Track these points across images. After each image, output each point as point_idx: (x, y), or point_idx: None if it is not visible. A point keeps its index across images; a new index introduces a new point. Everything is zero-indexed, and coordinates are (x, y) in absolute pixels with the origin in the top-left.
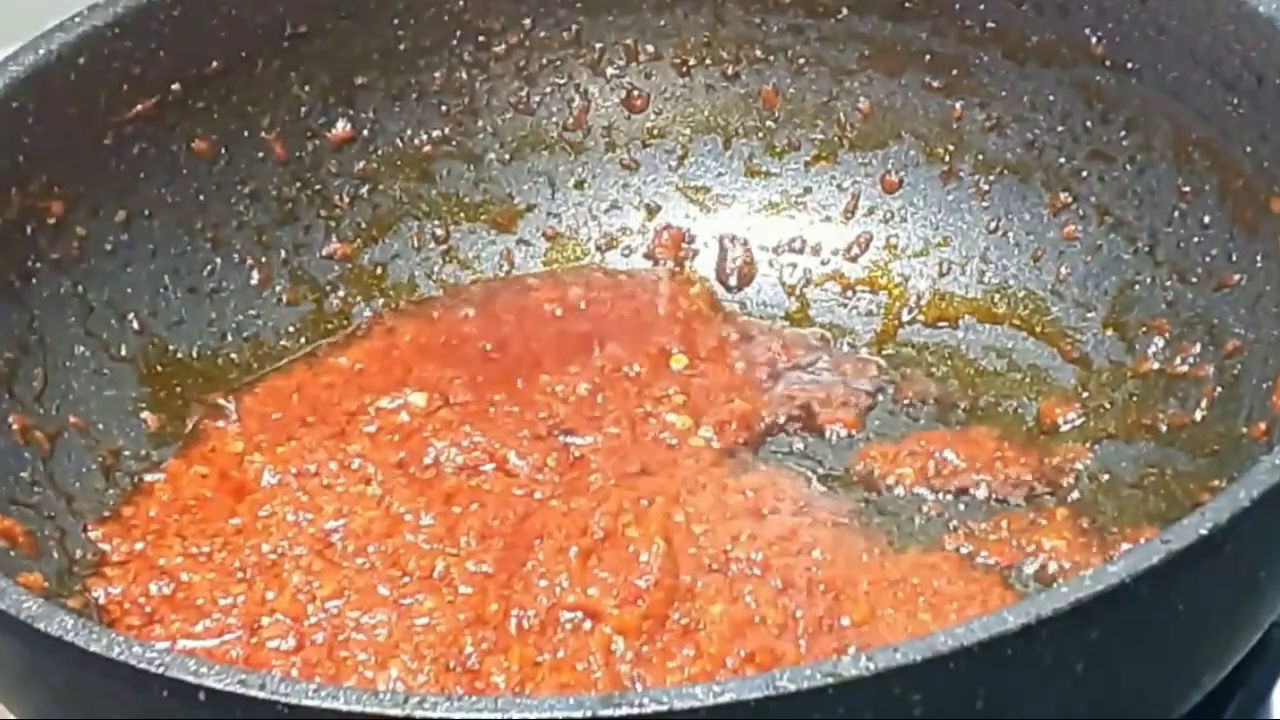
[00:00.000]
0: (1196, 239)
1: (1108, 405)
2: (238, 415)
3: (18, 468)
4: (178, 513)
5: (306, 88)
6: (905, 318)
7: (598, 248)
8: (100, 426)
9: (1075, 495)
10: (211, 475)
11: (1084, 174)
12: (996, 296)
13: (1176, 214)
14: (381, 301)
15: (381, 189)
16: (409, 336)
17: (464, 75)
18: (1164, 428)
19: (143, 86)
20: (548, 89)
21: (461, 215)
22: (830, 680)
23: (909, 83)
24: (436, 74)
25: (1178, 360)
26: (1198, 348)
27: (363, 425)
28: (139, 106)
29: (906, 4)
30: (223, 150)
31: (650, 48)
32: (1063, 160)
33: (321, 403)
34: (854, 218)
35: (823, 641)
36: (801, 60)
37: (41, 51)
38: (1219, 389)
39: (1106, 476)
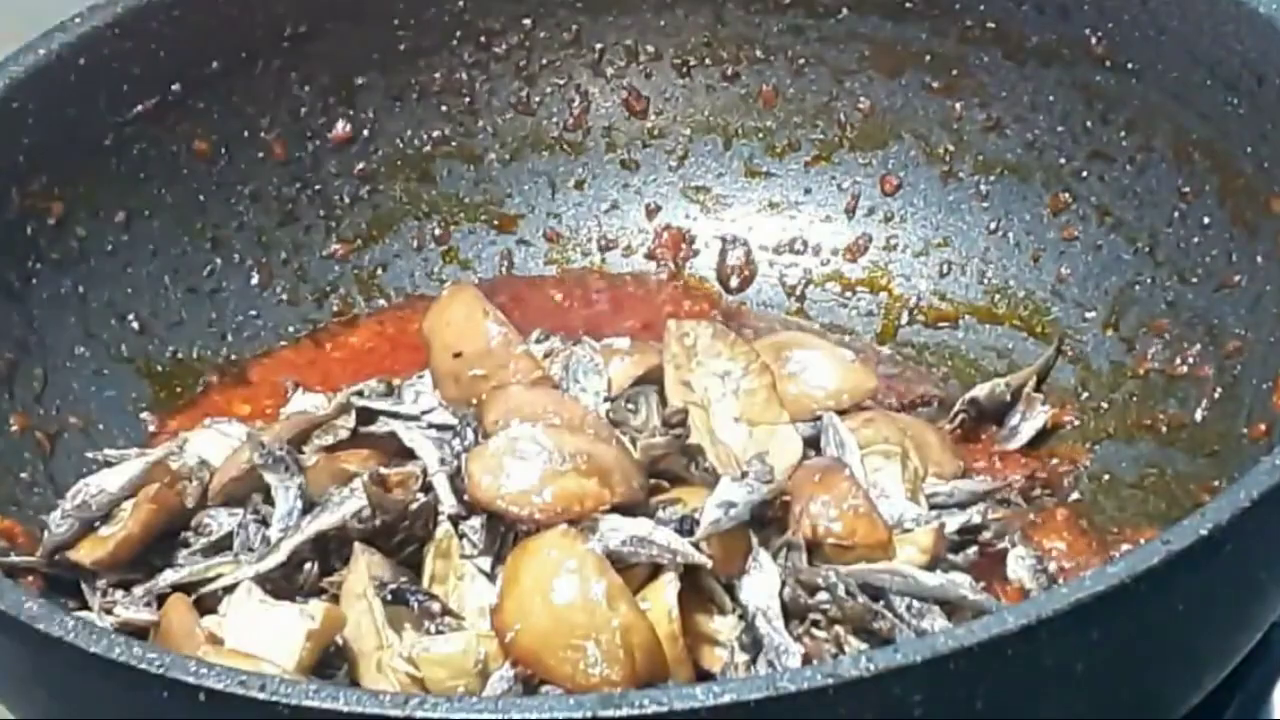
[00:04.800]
0: (1196, 239)
1: (1107, 405)
2: (248, 380)
3: (18, 468)
4: None
5: (306, 88)
6: (905, 318)
7: (598, 248)
8: (100, 426)
9: (1075, 495)
10: None
11: (1084, 174)
12: (996, 296)
13: (1176, 214)
14: (381, 302)
15: (381, 189)
16: (417, 325)
17: (464, 75)
18: (1164, 428)
19: (143, 86)
20: (548, 89)
21: (461, 215)
22: (830, 680)
23: (909, 83)
24: (436, 74)
25: (1178, 360)
26: (1198, 348)
27: None
28: (139, 107)
29: (906, 4)
30: (223, 150)
31: (650, 48)
32: (1063, 160)
33: (332, 375)
34: (854, 218)
35: None
36: (801, 60)
37: (41, 52)
38: (1219, 389)
39: (1106, 476)
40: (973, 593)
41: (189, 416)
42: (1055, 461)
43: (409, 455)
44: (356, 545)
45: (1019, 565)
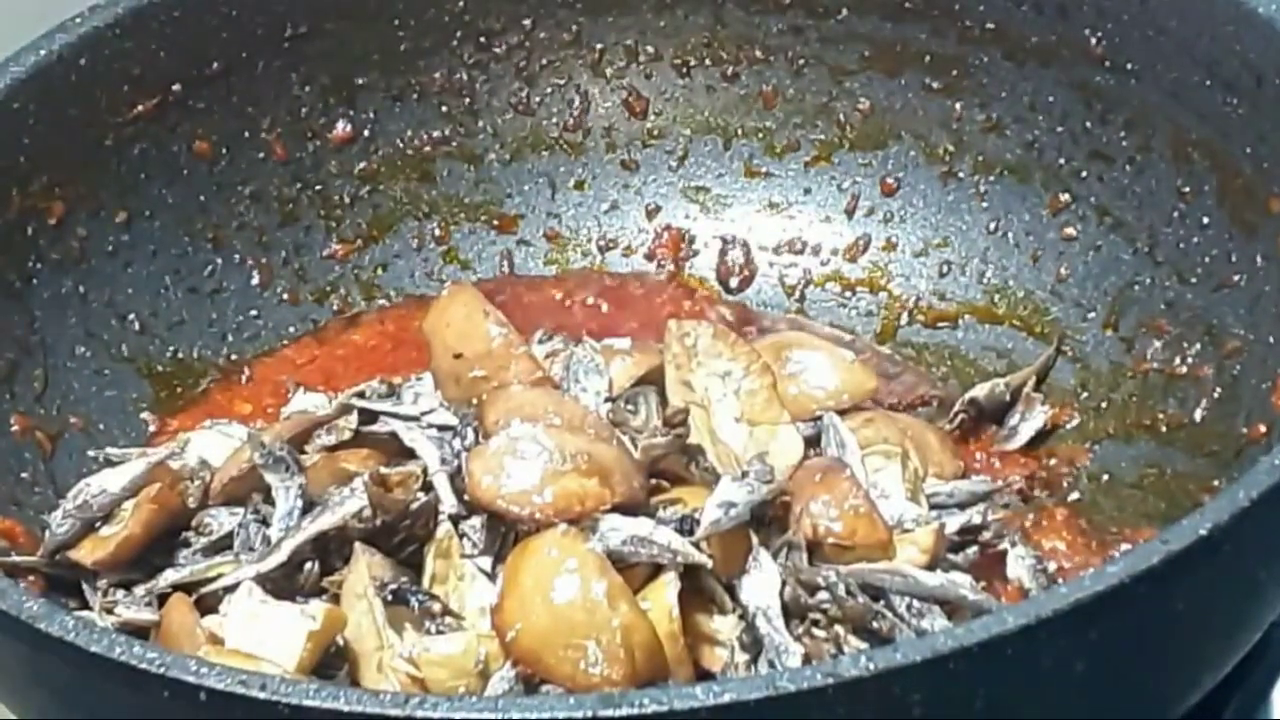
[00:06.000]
0: (1196, 239)
1: (1107, 405)
2: (250, 379)
3: (18, 468)
4: None
5: (306, 88)
6: (905, 318)
7: (598, 248)
8: (101, 426)
9: (1075, 495)
10: None
11: (1084, 174)
12: (996, 297)
13: (1176, 214)
14: (382, 302)
15: (381, 189)
16: (419, 323)
17: (464, 75)
18: (1164, 428)
19: (143, 87)
20: (548, 89)
21: (461, 215)
22: (830, 680)
23: (909, 83)
24: (436, 74)
25: (1177, 360)
26: (1197, 348)
27: None
28: (139, 107)
29: (906, 4)
30: (223, 150)
31: (650, 48)
32: (1062, 160)
33: (334, 374)
34: (854, 218)
35: None
36: (801, 60)
37: (42, 52)
38: (1218, 389)
39: (1106, 476)
40: (973, 593)
41: (190, 416)
42: (1055, 461)
43: (409, 455)
44: (357, 545)
45: (1019, 565)
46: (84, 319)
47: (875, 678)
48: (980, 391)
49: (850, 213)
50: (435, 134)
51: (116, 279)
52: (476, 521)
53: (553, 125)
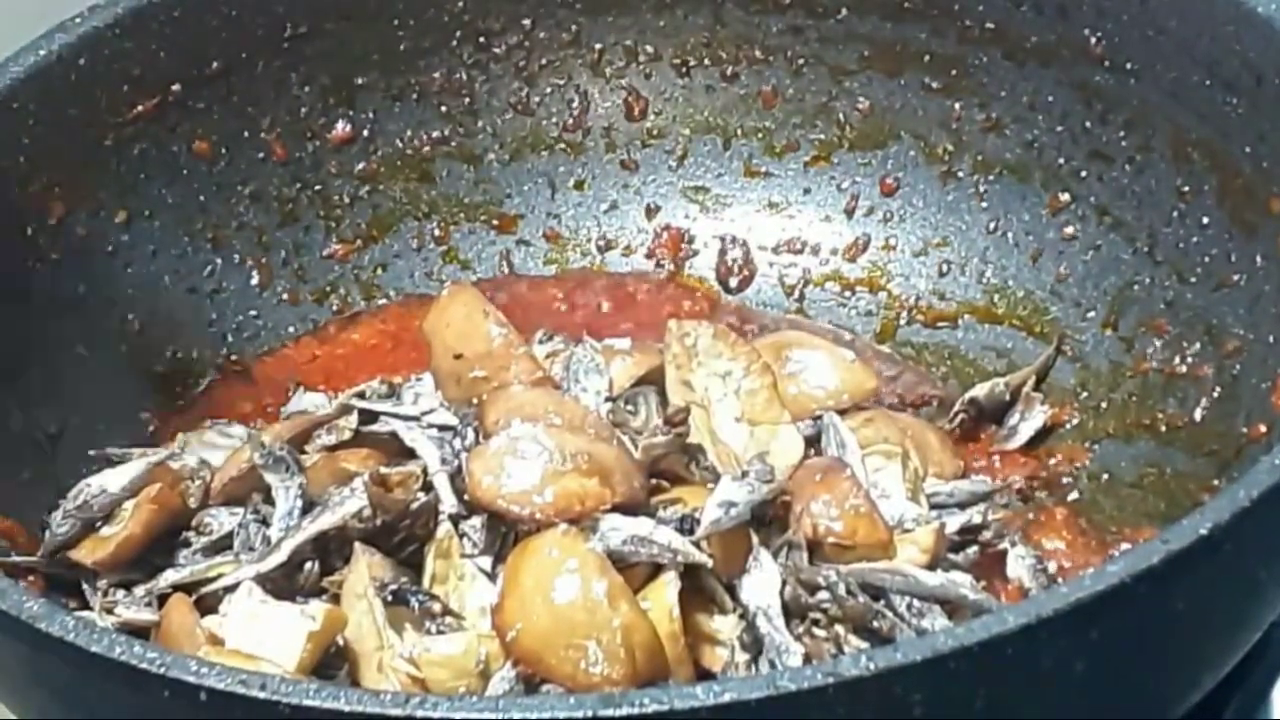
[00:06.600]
0: (1196, 239)
1: (1107, 405)
2: (250, 379)
3: (18, 468)
4: None
5: (306, 88)
6: (904, 318)
7: (598, 248)
8: (101, 426)
9: (1075, 495)
10: None
11: (1083, 174)
12: (996, 296)
13: (1175, 214)
14: (382, 302)
15: (381, 189)
16: (419, 323)
17: (464, 75)
18: (1163, 428)
19: (143, 87)
20: (548, 89)
21: (461, 215)
22: (830, 680)
23: (909, 83)
24: (436, 74)
25: (1177, 360)
26: (1197, 347)
27: None
28: (139, 107)
29: (906, 4)
30: (223, 150)
31: (650, 48)
32: (1062, 160)
33: (334, 373)
34: (853, 218)
35: None
36: (801, 60)
37: (42, 52)
38: (1218, 389)
39: (1106, 476)
40: (973, 592)
41: (190, 416)
42: (1055, 461)
43: (409, 455)
44: (357, 545)
45: (1019, 565)
46: (84, 319)
47: (876, 677)
48: (980, 391)
49: (850, 212)
50: (435, 134)
51: (116, 279)
52: (477, 521)
53: (552, 125)
